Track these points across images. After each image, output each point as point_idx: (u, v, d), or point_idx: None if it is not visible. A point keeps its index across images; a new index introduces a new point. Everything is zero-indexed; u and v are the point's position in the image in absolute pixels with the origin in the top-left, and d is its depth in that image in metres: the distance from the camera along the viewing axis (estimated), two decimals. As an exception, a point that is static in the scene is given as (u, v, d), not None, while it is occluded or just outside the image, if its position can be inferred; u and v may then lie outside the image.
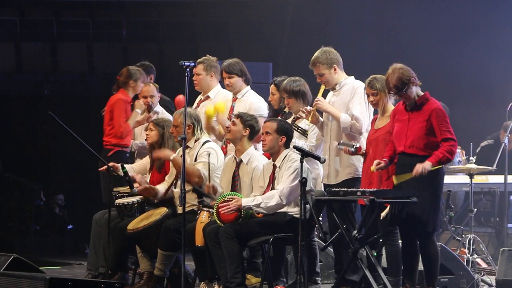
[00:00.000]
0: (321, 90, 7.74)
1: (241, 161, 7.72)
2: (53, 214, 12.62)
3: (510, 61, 11.65)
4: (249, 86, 8.52)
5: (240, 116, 7.75)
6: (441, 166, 6.93)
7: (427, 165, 6.86)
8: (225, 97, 8.60)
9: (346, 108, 7.62)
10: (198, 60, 8.47)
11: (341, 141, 7.49)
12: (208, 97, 8.64)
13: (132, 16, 14.15)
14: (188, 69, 7.43)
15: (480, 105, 11.42)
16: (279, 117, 8.02)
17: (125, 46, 13.94)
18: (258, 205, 7.31)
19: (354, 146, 7.37)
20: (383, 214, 6.97)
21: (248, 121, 7.70)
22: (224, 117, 8.27)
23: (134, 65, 9.40)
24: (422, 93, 7.08)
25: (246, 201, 7.35)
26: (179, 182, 7.64)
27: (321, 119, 7.74)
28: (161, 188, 8.06)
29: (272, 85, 8.37)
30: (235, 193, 7.46)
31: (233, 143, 7.82)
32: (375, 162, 7.09)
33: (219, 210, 7.32)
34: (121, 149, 8.86)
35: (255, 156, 7.72)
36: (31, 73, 13.71)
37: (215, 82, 8.65)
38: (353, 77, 7.79)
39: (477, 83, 11.83)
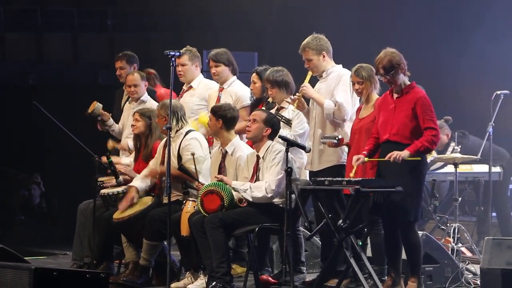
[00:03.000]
0: (308, 77, 7.76)
1: (226, 152, 7.73)
2: (50, 205, 12.60)
3: (495, 53, 11.68)
4: (235, 76, 8.53)
5: (212, 110, 7.74)
6: (419, 157, 6.92)
7: (404, 153, 6.86)
8: (207, 86, 8.63)
9: (331, 95, 7.64)
10: (182, 51, 8.44)
11: (323, 136, 7.51)
12: (191, 87, 8.66)
13: (117, 5, 14.09)
14: (173, 59, 7.43)
15: (464, 94, 11.45)
16: (261, 107, 8.06)
17: (110, 36, 13.88)
18: (244, 191, 7.34)
19: (337, 138, 7.39)
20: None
21: (218, 112, 7.70)
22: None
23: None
24: (409, 83, 7.09)
25: (236, 183, 7.41)
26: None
27: (306, 105, 7.75)
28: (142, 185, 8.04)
29: (254, 74, 8.37)
30: (217, 182, 7.45)
31: (217, 138, 7.83)
32: (354, 158, 7.08)
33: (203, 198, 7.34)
34: None
35: (239, 146, 7.73)
36: (16, 62, 13.64)
37: (198, 72, 8.68)
38: (341, 65, 7.80)
39: (462, 73, 11.85)
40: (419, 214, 7.04)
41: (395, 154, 6.86)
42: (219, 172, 7.72)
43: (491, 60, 11.68)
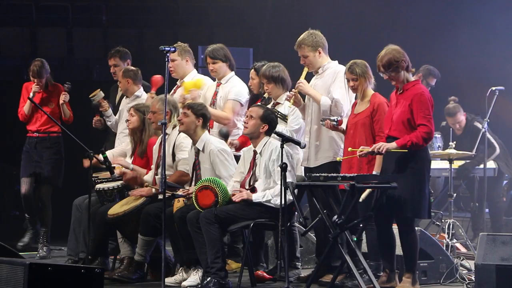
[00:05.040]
0: (304, 73, 7.76)
1: (198, 150, 7.71)
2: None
3: (488, 48, 11.70)
4: (233, 72, 8.53)
5: (190, 107, 7.71)
6: (406, 150, 6.87)
7: (390, 145, 6.86)
8: None
9: (328, 92, 7.65)
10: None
11: (323, 117, 7.51)
12: (183, 82, 8.63)
13: (111, 1, 14.07)
14: (168, 54, 7.42)
15: (460, 90, 11.46)
16: (258, 102, 8.06)
17: (104, 31, 13.86)
18: (268, 201, 7.32)
19: (336, 119, 7.40)
20: (362, 196, 6.97)
21: (200, 111, 7.68)
22: (198, 92, 8.28)
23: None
24: (413, 79, 7.08)
25: (256, 197, 7.34)
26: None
27: (302, 102, 7.76)
28: (148, 177, 8.06)
29: (252, 70, 8.39)
30: (214, 178, 7.44)
31: (187, 135, 7.77)
32: (360, 148, 7.08)
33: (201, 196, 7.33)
34: None
35: (209, 141, 7.71)
36: (10, 58, 13.61)
37: (190, 67, 8.67)
38: (336, 61, 7.81)
39: (457, 69, 11.87)
40: (422, 211, 6.98)
41: (378, 145, 6.88)
42: (194, 169, 7.69)
43: (486, 56, 11.69)
